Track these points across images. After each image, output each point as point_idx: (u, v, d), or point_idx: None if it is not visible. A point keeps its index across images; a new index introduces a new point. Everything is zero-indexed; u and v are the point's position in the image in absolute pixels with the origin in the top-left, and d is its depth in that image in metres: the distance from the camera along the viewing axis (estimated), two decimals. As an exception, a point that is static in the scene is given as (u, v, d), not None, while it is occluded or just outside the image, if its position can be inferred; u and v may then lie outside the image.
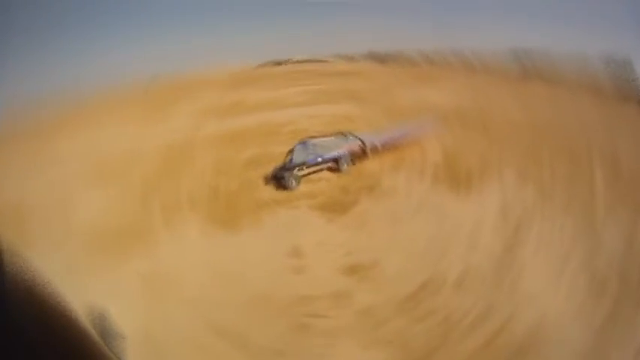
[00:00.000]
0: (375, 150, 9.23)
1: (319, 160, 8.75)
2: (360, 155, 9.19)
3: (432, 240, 6.55)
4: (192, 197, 8.13)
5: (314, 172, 8.82)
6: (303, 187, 8.39)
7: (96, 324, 3.95)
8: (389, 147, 9.46)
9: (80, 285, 4.00)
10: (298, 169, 8.53)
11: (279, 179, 8.46)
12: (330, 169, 9.01)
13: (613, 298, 5.20)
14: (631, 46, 12.10)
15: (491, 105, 12.39)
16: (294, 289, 5.73)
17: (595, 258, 5.87)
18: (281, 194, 8.26)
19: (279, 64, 27.80)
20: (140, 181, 8.45)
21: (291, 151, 8.96)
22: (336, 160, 8.94)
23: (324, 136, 9.37)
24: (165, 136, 10.84)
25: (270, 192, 8.39)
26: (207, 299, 5.55)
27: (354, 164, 9.11)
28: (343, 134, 9.40)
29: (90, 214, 7.07)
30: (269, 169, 9.06)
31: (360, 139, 9.22)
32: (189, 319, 5.23)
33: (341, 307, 5.42)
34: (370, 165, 9.14)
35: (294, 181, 8.34)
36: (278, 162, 9.10)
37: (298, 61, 28.10)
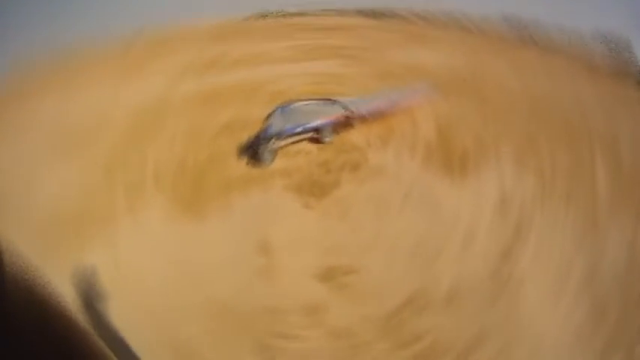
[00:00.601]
0: (362, 119, 8.13)
1: (299, 130, 7.60)
2: (345, 124, 8.05)
3: (422, 237, 5.67)
4: (158, 173, 7.14)
5: (292, 143, 7.67)
6: (279, 162, 7.30)
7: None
8: (378, 116, 8.40)
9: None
10: (275, 140, 7.35)
11: (252, 152, 7.36)
12: (311, 140, 7.85)
13: (615, 319, 4.51)
14: (628, 25, 11.62)
15: (487, 71, 11.62)
16: (260, 298, 4.82)
17: (597, 269, 5.17)
18: (253, 171, 7.19)
19: (266, 16, 26.98)
20: (106, 153, 7.50)
21: (269, 117, 7.85)
22: (317, 130, 7.75)
23: (307, 100, 8.25)
24: (138, 98, 10.02)
25: (241, 168, 7.29)
26: (165, 306, 4.72)
27: (338, 134, 7.98)
28: (328, 100, 8.25)
29: (50, 194, 6.28)
30: (244, 136, 7.95)
31: (345, 106, 8.00)
32: (145, 331, 4.35)
33: (313, 325, 4.57)
34: (356, 137, 8.05)
35: (268, 156, 7.24)
36: (255, 128, 8.00)
37: (287, 14, 27.27)
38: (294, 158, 7.32)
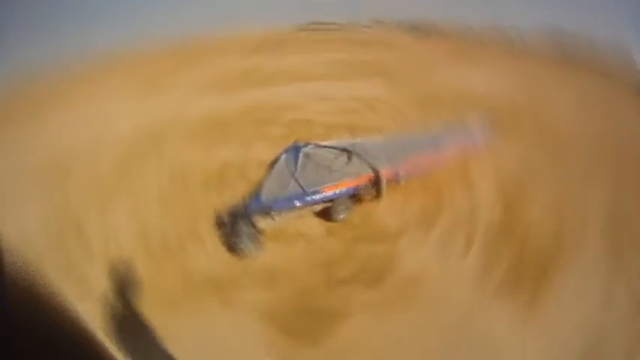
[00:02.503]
0: (394, 181, 5.10)
1: (300, 203, 4.62)
2: (370, 192, 5.04)
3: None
4: (117, 239, 4.73)
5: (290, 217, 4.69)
6: (265, 255, 4.32)
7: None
8: (418, 176, 5.40)
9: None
10: (264, 216, 4.44)
11: (231, 230, 4.38)
12: (318, 214, 4.90)
13: None
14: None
15: (544, 99, 9.61)
16: None
17: None
18: (226, 267, 4.26)
19: (309, 28, 26.38)
20: (80, 190, 5.72)
21: (272, 166, 5.40)
22: (329, 201, 4.73)
23: (325, 145, 5.65)
24: (142, 118, 8.43)
25: (213, 257, 4.41)
26: None
27: (360, 202, 5.04)
28: (352, 147, 5.41)
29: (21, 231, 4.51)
30: (234, 193, 5.30)
31: (372, 166, 5.03)
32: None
33: None
34: (384, 211, 5.06)
35: (249, 242, 4.29)
36: (254, 178, 5.60)
37: (330, 27, 26.19)
38: (287, 248, 4.24)
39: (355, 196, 4.81)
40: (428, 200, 5.05)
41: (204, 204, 5.07)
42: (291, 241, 4.43)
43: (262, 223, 4.33)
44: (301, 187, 4.58)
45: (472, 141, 5.95)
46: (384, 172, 4.76)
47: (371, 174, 4.73)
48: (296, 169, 4.99)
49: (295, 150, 5.38)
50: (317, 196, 4.45)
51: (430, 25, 21.67)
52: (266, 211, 4.24)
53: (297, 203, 4.36)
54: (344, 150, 5.09)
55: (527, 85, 10.82)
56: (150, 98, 10.21)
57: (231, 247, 4.26)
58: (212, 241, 4.40)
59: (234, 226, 4.20)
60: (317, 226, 4.66)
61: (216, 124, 8.05)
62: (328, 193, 4.49)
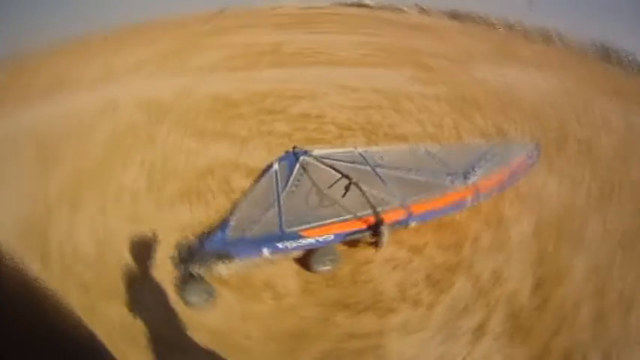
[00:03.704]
0: (402, 224, 3.47)
1: (268, 252, 3.08)
2: (370, 235, 3.37)
3: None
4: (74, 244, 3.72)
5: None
6: (214, 313, 3.07)
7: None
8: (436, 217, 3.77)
9: None
10: (223, 256, 2.98)
11: (184, 272, 3.01)
12: (297, 260, 3.52)
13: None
14: None
15: (594, 111, 7.87)
16: None
17: None
18: (156, 321, 2.96)
19: (353, 4, 26.76)
20: (59, 182, 4.70)
21: (259, 178, 4.00)
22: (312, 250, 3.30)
23: (331, 156, 4.14)
24: (144, 98, 7.20)
25: (148, 300, 3.17)
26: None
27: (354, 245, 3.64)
28: (349, 182, 3.57)
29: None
30: (213, 206, 4.19)
31: (374, 207, 3.37)
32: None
33: None
34: (381, 268, 3.65)
35: (196, 294, 3.04)
36: (240, 187, 4.42)
37: (370, 5, 26.00)
38: (245, 306, 2.91)
39: (349, 241, 3.29)
40: (444, 255, 3.54)
41: (170, 222, 3.76)
42: (252, 295, 3.09)
43: (221, 267, 2.90)
44: (279, 224, 3.20)
45: (516, 169, 4.28)
46: (390, 216, 3.20)
47: (371, 217, 3.20)
48: (285, 187, 3.67)
49: (291, 159, 4.01)
50: (293, 245, 3.02)
51: (476, 16, 19.87)
52: (225, 255, 2.85)
53: (266, 252, 2.93)
54: (345, 176, 3.52)
55: (573, 91, 8.95)
56: (159, 75, 9.12)
57: (182, 292, 2.97)
58: (158, 278, 3.06)
59: (184, 268, 2.83)
60: (292, 276, 3.28)
61: (219, 112, 6.86)
62: (309, 240, 3.03)
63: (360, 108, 6.93)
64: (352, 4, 25.11)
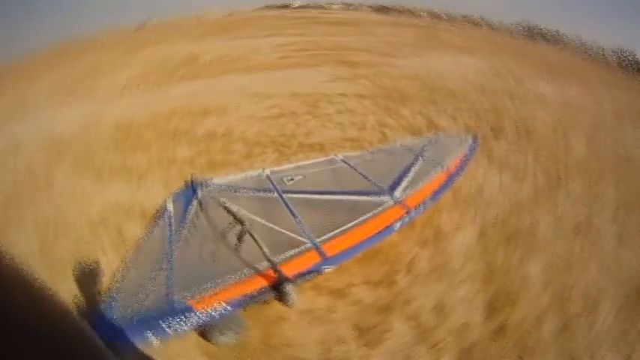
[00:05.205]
0: (315, 272, 2.63)
1: (151, 335, 2.05)
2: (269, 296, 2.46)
3: None
4: None
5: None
6: None
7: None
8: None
9: None
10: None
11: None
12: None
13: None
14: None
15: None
16: None
17: None
18: None
19: (280, 7, 27.59)
20: None
21: (152, 224, 3.10)
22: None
23: (233, 184, 3.48)
24: (47, 136, 6.27)
25: None
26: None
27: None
28: (242, 229, 2.68)
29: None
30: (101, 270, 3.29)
31: (270, 259, 2.49)
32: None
33: None
34: (296, 327, 2.87)
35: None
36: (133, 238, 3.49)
37: (298, 5, 26.99)
38: None
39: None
40: (374, 293, 2.89)
41: (64, 294, 2.72)
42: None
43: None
44: (168, 294, 2.37)
45: (453, 171, 3.71)
46: (299, 264, 2.49)
47: (270, 270, 2.45)
48: (179, 235, 2.87)
49: (187, 195, 3.28)
50: (183, 326, 2.22)
51: (401, 7, 20.57)
52: (115, 346, 1.98)
53: (149, 335, 2.07)
54: (237, 220, 2.79)
55: (508, 80, 8.83)
56: (69, 104, 8.06)
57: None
58: None
59: None
60: (193, 350, 2.45)
61: (121, 141, 5.99)
62: (200, 316, 2.26)
63: (272, 117, 6.29)
64: (277, 7, 25.38)
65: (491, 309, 2.94)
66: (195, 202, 3.17)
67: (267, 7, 24.68)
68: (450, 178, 3.55)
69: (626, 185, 4.74)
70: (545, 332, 2.78)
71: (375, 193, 3.19)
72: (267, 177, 3.57)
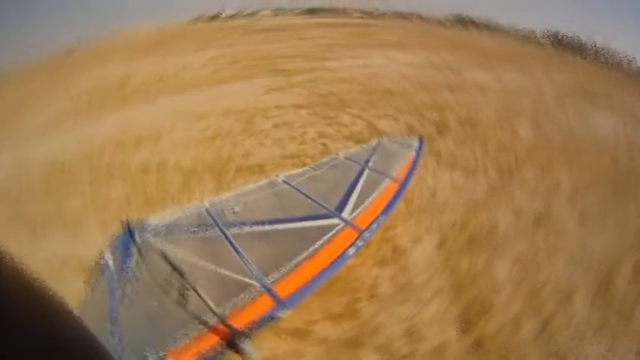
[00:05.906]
0: (270, 318, 2.17)
1: None
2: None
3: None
4: None
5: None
6: None
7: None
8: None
9: None
10: None
11: None
12: None
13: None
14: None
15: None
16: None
17: None
18: None
19: (211, 18, 27.18)
20: None
21: (93, 279, 2.62)
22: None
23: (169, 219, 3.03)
24: None
25: None
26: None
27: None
28: (183, 282, 2.30)
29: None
30: None
31: (217, 313, 2.11)
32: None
33: None
34: None
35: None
36: (77, 289, 2.58)
37: (229, 16, 26.76)
38: None
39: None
40: (338, 328, 2.68)
41: None
42: None
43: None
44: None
45: (403, 178, 3.49)
46: (252, 311, 2.16)
47: (219, 324, 2.11)
48: (122, 291, 2.49)
49: (125, 242, 2.87)
50: None
51: (332, 8, 20.92)
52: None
53: None
54: (176, 270, 2.39)
55: (445, 71, 8.90)
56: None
57: None
58: None
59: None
60: None
61: (53, 186, 5.39)
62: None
63: (207, 140, 5.92)
64: (208, 18, 25.21)
65: (466, 323, 2.78)
66: (134, 251, 2.78)
67: (198, 19, 24.30)
68: (401, 187, 3.34)
69: (578, 166, 4.77)
70: (525, 336, 2.67)
71: (323, 217, 2.92)
72: (207, 211, 3.24)
